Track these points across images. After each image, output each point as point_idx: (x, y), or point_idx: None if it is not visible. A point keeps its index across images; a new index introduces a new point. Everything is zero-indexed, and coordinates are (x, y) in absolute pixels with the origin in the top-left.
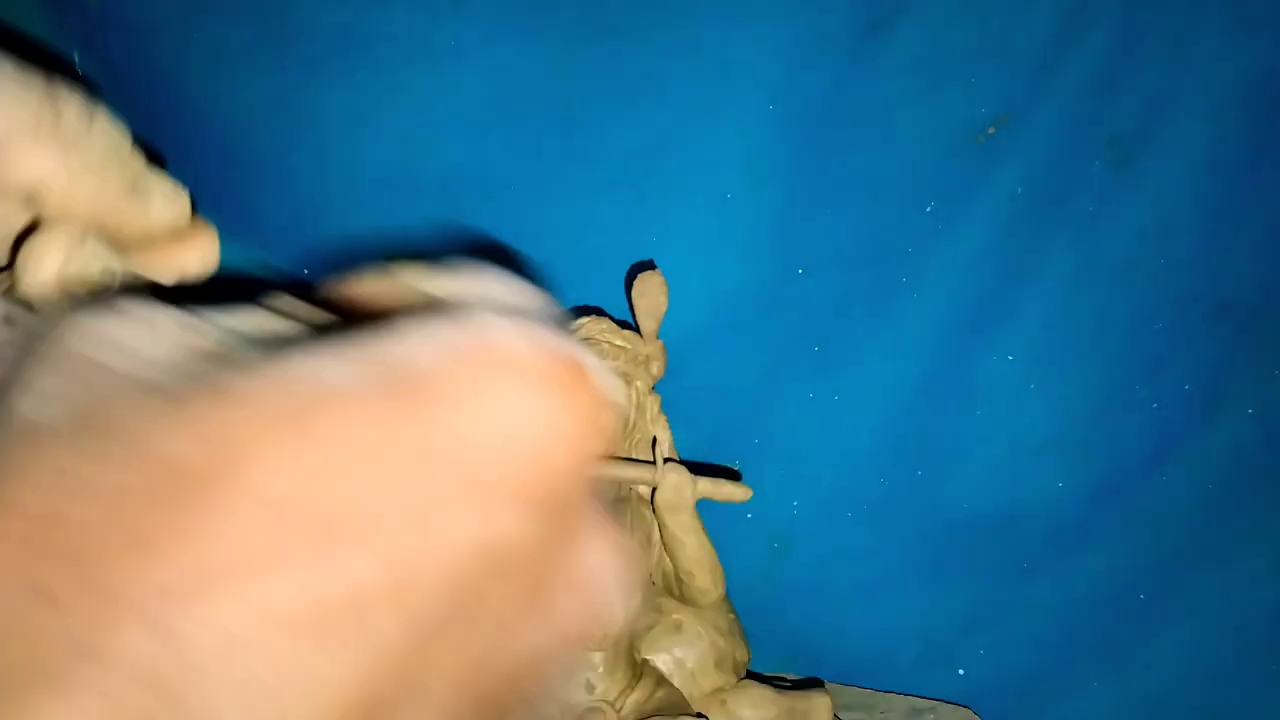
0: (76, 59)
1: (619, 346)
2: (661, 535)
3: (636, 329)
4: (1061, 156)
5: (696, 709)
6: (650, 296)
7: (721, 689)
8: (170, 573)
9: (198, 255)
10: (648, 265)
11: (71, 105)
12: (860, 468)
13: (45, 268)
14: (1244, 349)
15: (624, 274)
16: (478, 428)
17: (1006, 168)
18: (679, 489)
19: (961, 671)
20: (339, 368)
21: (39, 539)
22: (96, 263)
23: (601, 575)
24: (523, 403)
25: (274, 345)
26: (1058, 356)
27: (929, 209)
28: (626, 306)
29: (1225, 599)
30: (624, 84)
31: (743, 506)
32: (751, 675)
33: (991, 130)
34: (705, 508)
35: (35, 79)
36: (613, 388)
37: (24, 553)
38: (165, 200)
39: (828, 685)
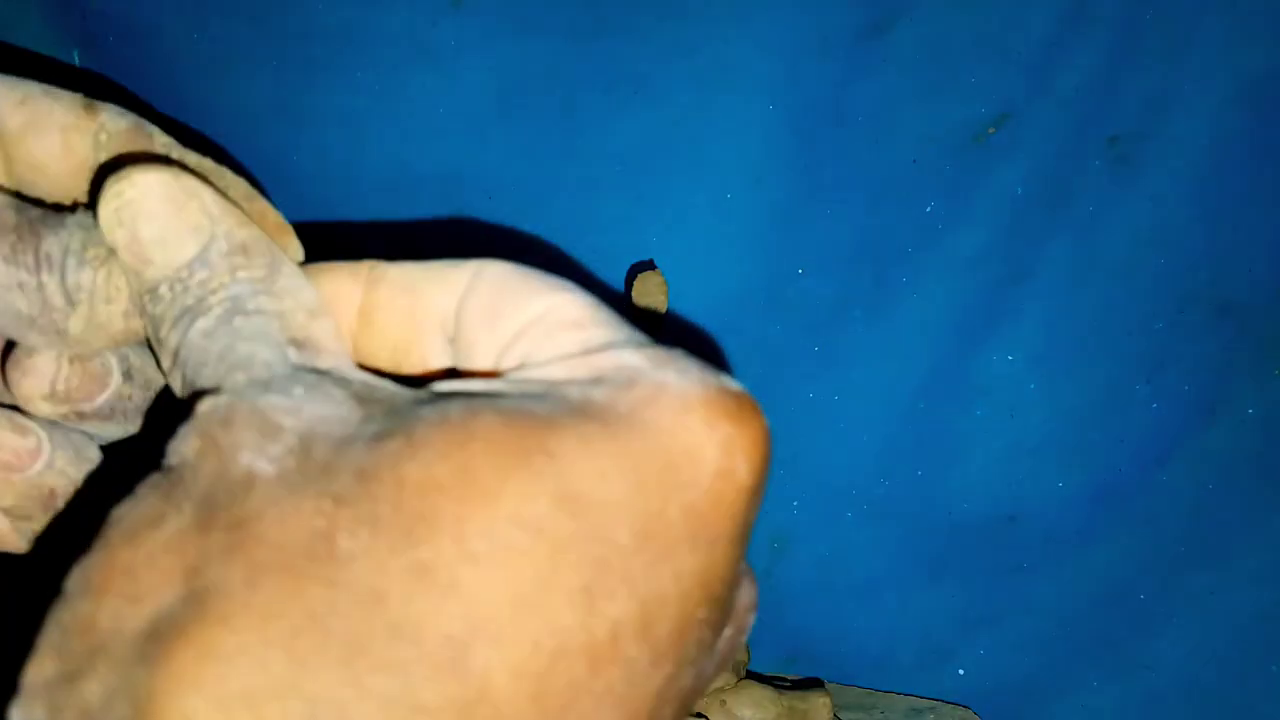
0: (76, 59)
1: None
2: None
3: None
4: (1061, 156)
5: (696, 709)
6: (650, 296)
7: (721, 689)
8: (449, 604)
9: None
10: (648, 265)
11: (52, 282)
12: (860, 468)
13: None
14: (1244, 349)
15: (624, 274)
16: (673, 453)
17: (1006, 168)
18: None
19: (961, 671)
20: (536, 405)
21: (326, 581)
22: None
23: (746, 607)
24: (721, 439)
25: (440, 399)
26: (1058, 356)
27: (929, 209)
28: (626, 306)
29: (1225, 599)
30: (624, 84)
31: None
32: (751, 675)
33: (991, 130)
34: None
35: (24, 263)
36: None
37: (314, 600)
38: (121, 238)
39: (828, 685)
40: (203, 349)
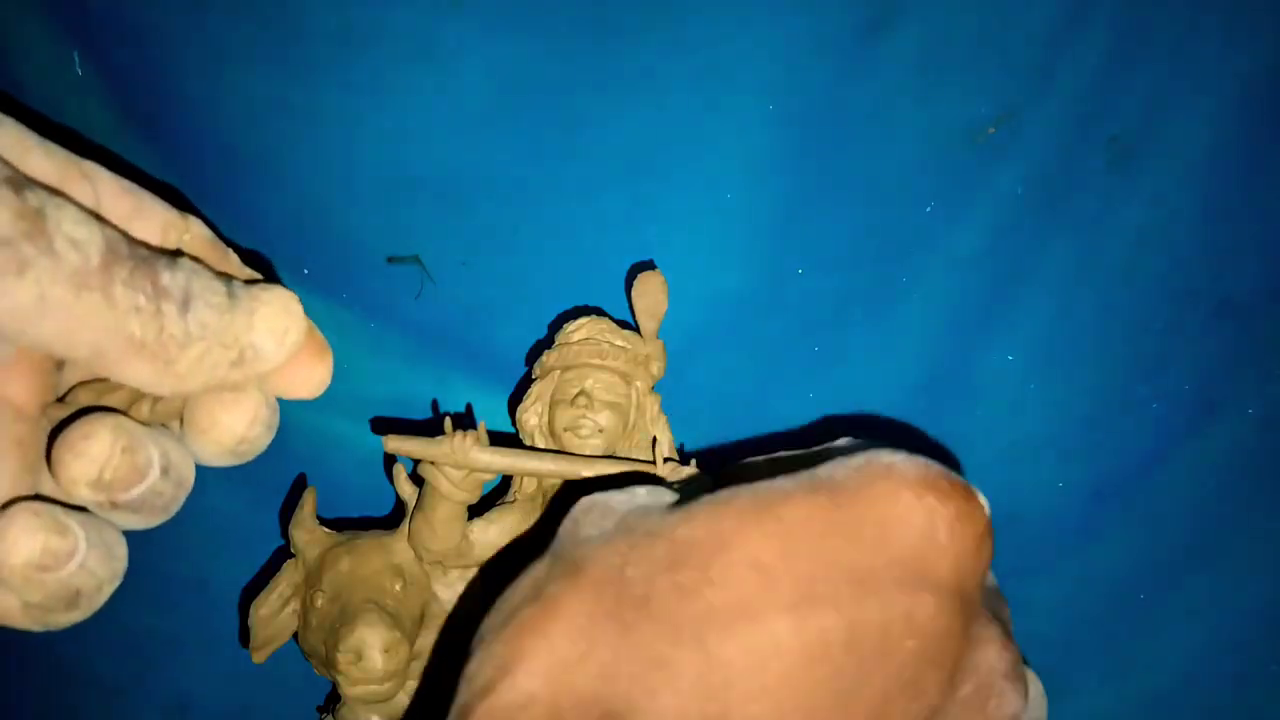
0: (76, 59)
1: (619, 346)
2: None
3: (636, 329)
4: (1061, 156)
5: None
6: (650, 296)
7: None
8: (702, 610)
9: (306, 382)
10: (648, 265)
11: (171, 310)
12: None
13: (79, 490)
14: (1244, 349)
15: (624, 274)
16: (885, 521)
17: (1006, 168)
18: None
19: None
20: (783, 481)
21: (616, 592)
22: (146, 450)
23: (994, 669)
24: (926, 508)
25: (726, 484)
26: (1058, 356)
27: (929, 209)
28: (626, 306)
29: (1225, 599)
30: (624, 84)
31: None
32: None
33: (991, 130)
34: None
35: (143, 288)
36: (985, 500)
37: (609, 601)
38: (276, 342)
39: None
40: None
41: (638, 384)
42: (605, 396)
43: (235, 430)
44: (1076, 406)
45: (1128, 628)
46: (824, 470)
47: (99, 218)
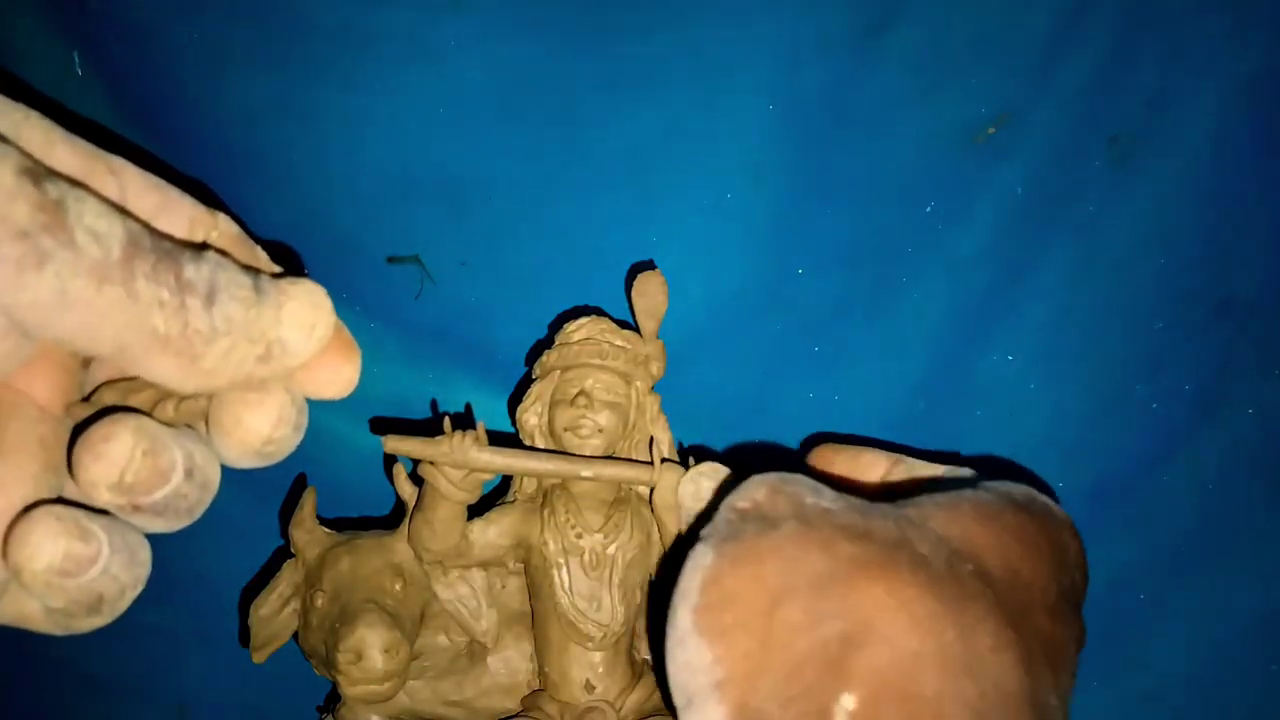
0: (77, 59)
1: (619, 346)
2: (661, 535)
3: (636, 329)
4: (1061, 156)
5: None
6: (650, 296)
7: None
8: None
9: (334, 381)
10: (648, 265)
11: (195, 304)
12: None
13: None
14: (1244, 349)
15: (624, 274)
16: (1071, 554)
17: (1006, 168)
18: (678, 489)
19: None
20: (988, 495)
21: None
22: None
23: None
24: (1078, 546)
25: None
26: (1058, 356)
27: (929, 209)
28: (626, 306)
29: (1225, 599)
30: (624, 84)
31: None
32: None
33: (991, 130)
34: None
35: (166, 281)
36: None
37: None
38: (304, 336)
39: None
40: None
41: (638, 384)
42: (605, 396)
43: (261, 431)
44: (1076, 406)
45: (1128, 628)
46: (1018, 490)
47: (122, 210)
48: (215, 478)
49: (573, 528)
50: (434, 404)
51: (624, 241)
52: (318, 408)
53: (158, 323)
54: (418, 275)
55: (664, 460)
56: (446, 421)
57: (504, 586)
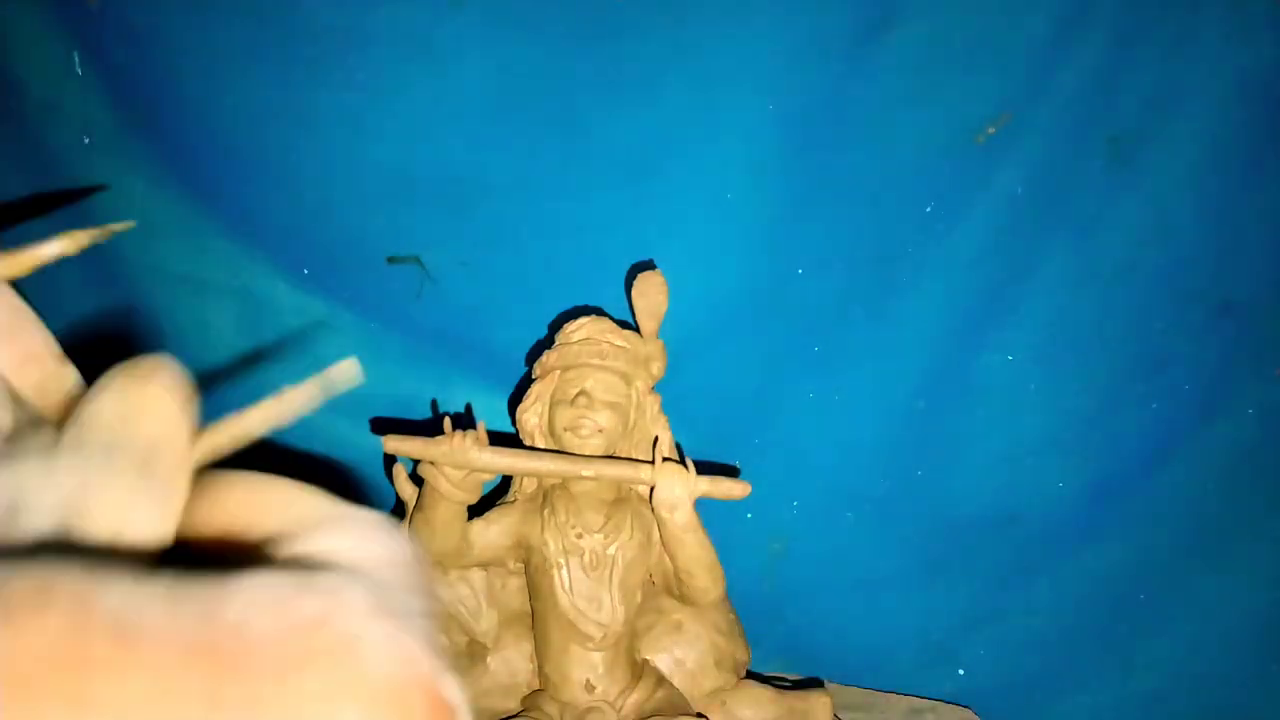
0: (76, 59)
1: (619, 346)
2: (661, 535)
3: (636, 329)
4: (1061, 156)
5: (696, 709)
6: (650, 296)
7: (721, 689)
8: None
9: None
10: (648, 265)
11: None
12: (860, 468)
13: None
14: (1244, 349)
15: (624, 274)
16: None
17: (1006, 168)
18: (678, 488)
19: (961, 671)
20: (152, 602)
21: None
22: None
23: None
24: (358, 717)
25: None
26: (1058, 356)
27: (929, 209)
28: (626, 306)
29: (1225, 599)
30: (624, 84)
31: (743, 506)
32: (751, 675)
33: (991, 130)
34: (705, 507)
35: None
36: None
37: None
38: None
39: (828, 685)
40: None
41: (638, 384)
42: (605, 396)
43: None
44: (1076, 406)
45: (1128, 628)
46: (238, 608)
47: None
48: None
49: (573, 528)
50: (434, 404)
51: (624, 241)
52: (319, 408)
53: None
54: (418, 275)
55: (665, 459)
56: (447, 422)
57: (504, 586)
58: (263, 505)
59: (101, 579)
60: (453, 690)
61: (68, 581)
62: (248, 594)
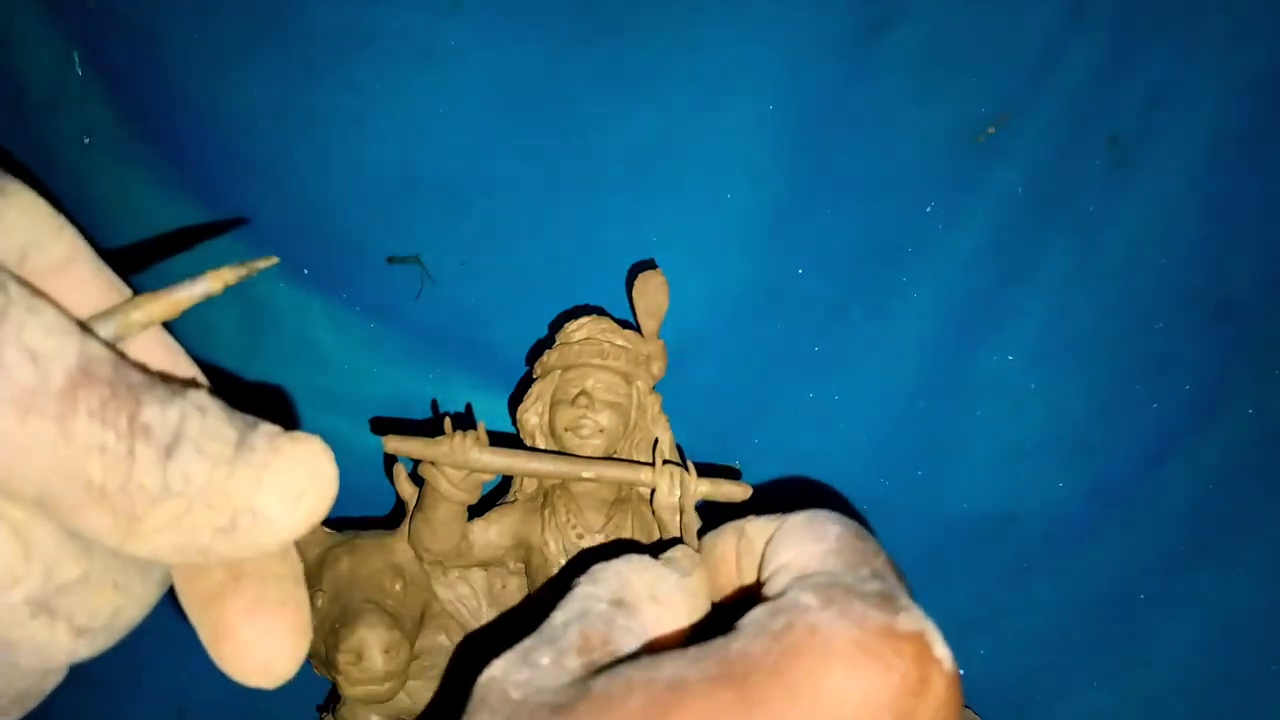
0: (76, 59)
1: (620, 346)
2: (662, 535)
3: (637, 329)
4: (1061, 156)
5: None
6: (650, 296)
7: None
8: None
9: (259, 664)
10: (648, 265)
11: (148, 455)
12: (860, 468)
13: None
14: (1244, 349)
15: (624, 274)
16: (813, 712)
17: (1006, 168)
18: (678, 489)
19: (961, 671)
20: (687, 666)
21: None
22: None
23: None
24: (862, 684)
25: (614, 671)
26: (1058, 356)
27: (929, 209)
28: (627, 306)
29: (1225, 599)
30: (624, 84)
31: (743, 506)
32: None
33: (991, 130)
34: (705, 508)
35: (115, 423)
36: (946, 653)
37: None
38: (287, 507)
39: None
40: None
41: (639, 384)
42: (606, 396)
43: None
44: (1076, 406)
45: (1128, 628)
46: (738, 644)
47: (86, 330)
48: (92, 627)
49: (573, 528)
50: (434, 404)
51: (624, 241)
52: (318, 407)
53: (93, 471)
54: (418, 275)
55: (666, 461)
56: (447, 422)
57: (504, 586)
58: (728, 561)
59: (655, 660)
60: (912, 619)
61: (635, 670)
62: (742, 632)
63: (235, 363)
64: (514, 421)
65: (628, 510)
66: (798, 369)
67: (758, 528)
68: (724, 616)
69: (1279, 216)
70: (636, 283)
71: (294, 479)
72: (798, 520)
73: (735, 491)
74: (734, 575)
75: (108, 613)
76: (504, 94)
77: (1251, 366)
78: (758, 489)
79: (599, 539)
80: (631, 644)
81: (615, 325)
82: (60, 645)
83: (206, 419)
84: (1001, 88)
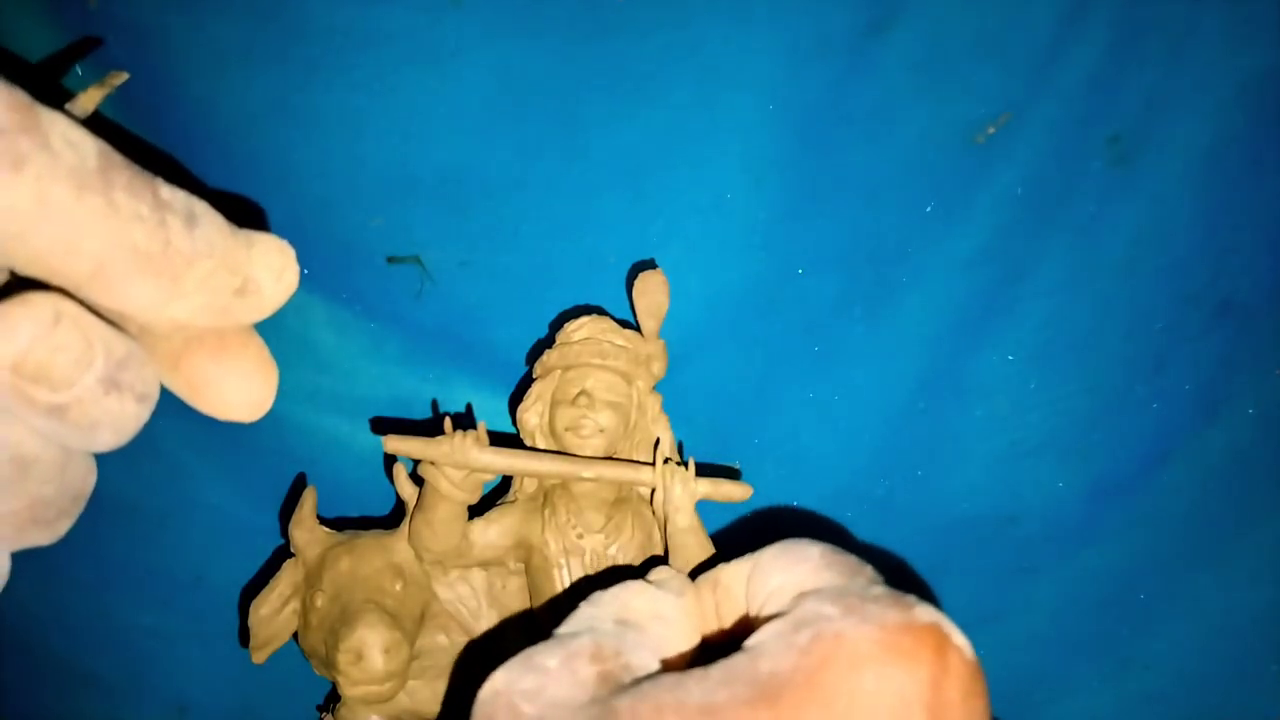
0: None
1: (620, 346)
2: (662, 536)
3: (637, 328)
4: (1061, 156)
5: None
6: (650, 296)
7: None
8: None
9: (242, 400)
10: (648, 265)
11: (176, 223)
12: (860, 467)
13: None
14: (1244, 349)
15: (624, 274)
16: (863, 713)
17: (1006, 168)
18: (679, 490)
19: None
20: (716, 689)
21: None
22: (70, 352)
23: None
24: (895, 683)
25: (641, 687)
26: (1058, 356)
27: (929, 209)
28: (627, 306)
29: (1225, 599)
30: (624, 84)
31: (743, 506)
32: None
33: (991, 130)
34: (705, 507)
35: (144, 198)
36: (964, 640)
37: None
38: (274, 278)
39: None
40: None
41: (639, 384)
42: (606, 396)
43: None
44: (1076, 406)
45: (1128, 628)
46: (765, 663)
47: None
48: (149, 393)
49: (574, 528)
50: (434, 404)
51: (624, 241)
52: (317, 408)
53: (139, 238)
54: (418, 275)
55: (666, 460)
56: (447, 422)
57: (504, 586)
58: (733, 590)
59: (681, 682)
60: (926, 612)
61: (662, 691)
62: (765, 651)
63: None
64: (514, 421)
65: (628, 510)
66: (798, 369)
67: (732, 573)
68: (713, 654)
69: (1278, 216)
70: (636, 282)
71: (274, 258)
72: (773, 551)
73: (735, 491)
74: (715, 623)
75: (155, 380)
76: (504, 94)
77: (1251, 366)
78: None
79: (599, 539)
80: (645, 658)
81: (615, 325)
82: (129, 413)
83: (202, 201)
84: (1001, 88)
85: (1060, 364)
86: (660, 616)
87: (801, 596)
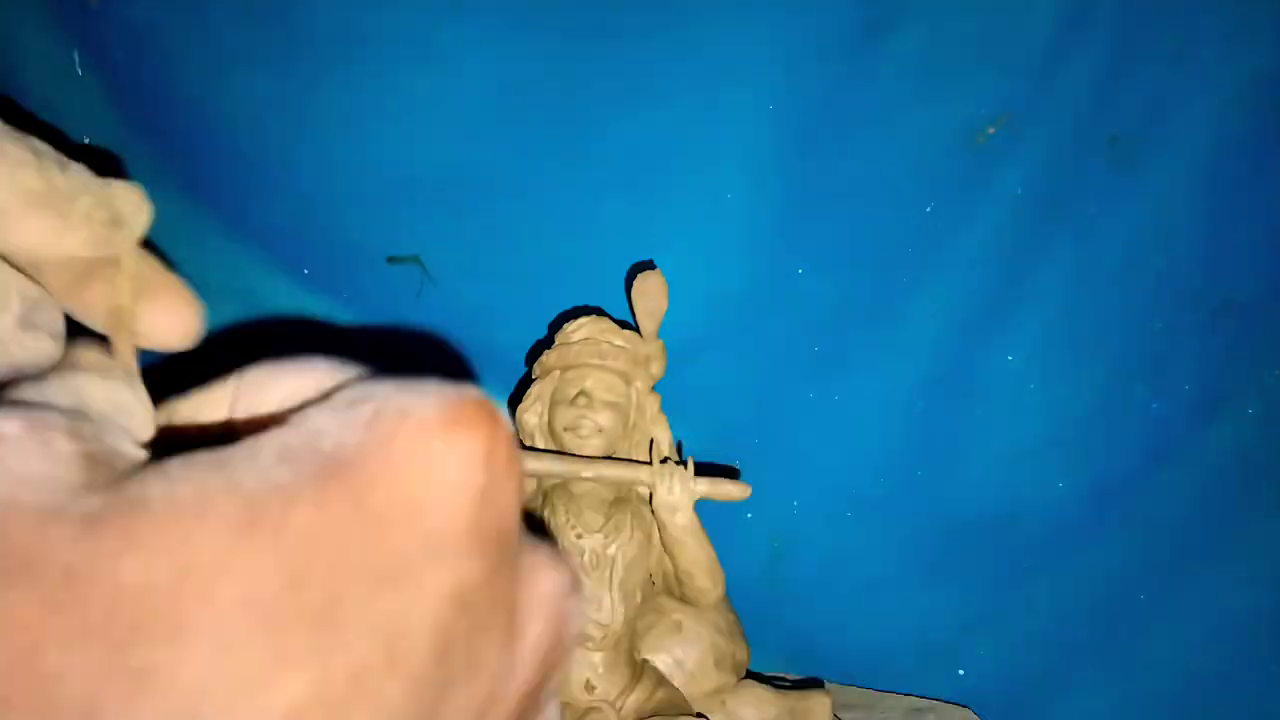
0: (76, 59)
1: (619, 346)
2: (661, 535)
3: (636, 329)
4: (1061, 156)
5: (696, 709)
6: (650, 296)
7: (721, 689)
8: (171, 704)
9: (173, 326)
10: (648, 265)
11: (51, 165)
12: (860, 468)
13: None
14: (1244, 349)
15: (624, 274)
16: (413, 487)
17: (1006, 168)
18: (678, 489)
19: (961, 671)
20: (272, 468)
21: (10, 693)
22: None
23: (555, 595)
24: (442, 452)
25: (177, 471)
26: (1058, 356)
27: (929, 209)
28: (626, 306)
29: (1225, 599)
30: (624, 84)
31: (743, 506)
32: (751, 675)
33: (991, 130)
34: (705, 508)
35: (25, 145)
36: (505, 416)
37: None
38: (134, 209)
39: (828, 685)
40: None
41: (638, 384)
42: (605, 396)
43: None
44: (1076, 406)
45: (1128, 628)
46: (327, 440)
47: None
48: (59, 331)
49: (573, 528)
50: None
51: (624, 241)
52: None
53: (29, 180)
54: (418, 275)
55: (665, 460)
56: None
57: None
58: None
59: (225, 461)
60: (471, 389)
61: (198, 472)
62: (321, 428)
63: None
64: (514, 421)
65: (627, 510)
66: (798, 369)
67: (213, 396)
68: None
69: (1278, 217)
70: (636, 283)
71: (128, 193)
72: (260, 369)
73: (734, 491)
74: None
75: (61, 319)
76: (504, 94)
77: (1251, 366)
78: (757, 489)
79: (598, 539)
80: (131, 449)
81: (614, 325)
82: (45, 351)
83: (59, 153)
84: (1002, 89)
85: (1060, 364)
86: (123, 408)
87: (339, 386)
